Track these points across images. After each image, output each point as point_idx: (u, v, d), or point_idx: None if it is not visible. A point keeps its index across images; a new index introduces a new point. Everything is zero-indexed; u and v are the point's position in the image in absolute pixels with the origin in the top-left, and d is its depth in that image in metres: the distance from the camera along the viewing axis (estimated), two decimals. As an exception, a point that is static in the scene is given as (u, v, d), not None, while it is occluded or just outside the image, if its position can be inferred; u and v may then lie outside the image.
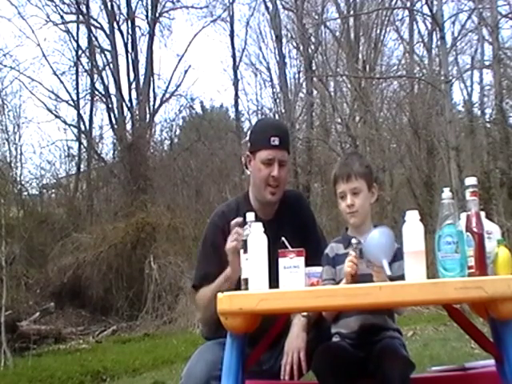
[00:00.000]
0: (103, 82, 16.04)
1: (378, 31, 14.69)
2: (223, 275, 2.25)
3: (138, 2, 16.36)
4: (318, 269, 2.02)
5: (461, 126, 13.05)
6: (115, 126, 15.56)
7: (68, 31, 16.22)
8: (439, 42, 10.75)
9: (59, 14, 15.95)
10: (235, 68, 16.68)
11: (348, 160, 2.22)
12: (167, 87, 16.63)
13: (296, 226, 2.39)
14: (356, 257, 1.96)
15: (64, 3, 15.91)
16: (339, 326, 2.17)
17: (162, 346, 7.91)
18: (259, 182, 2.37)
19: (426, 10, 11.70)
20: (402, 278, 1.79)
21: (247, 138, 2.55)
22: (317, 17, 15.26)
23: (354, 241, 2.04)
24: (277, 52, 15.70)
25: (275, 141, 2.33)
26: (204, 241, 2.47)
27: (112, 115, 15.77)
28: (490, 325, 1.82)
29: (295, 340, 2.26)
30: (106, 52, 16.11)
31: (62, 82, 16.05)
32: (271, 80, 16.66)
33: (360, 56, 14.53)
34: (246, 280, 1.90)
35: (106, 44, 16.09)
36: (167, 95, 16.63)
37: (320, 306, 1.82)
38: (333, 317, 2.17)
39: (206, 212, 11.61)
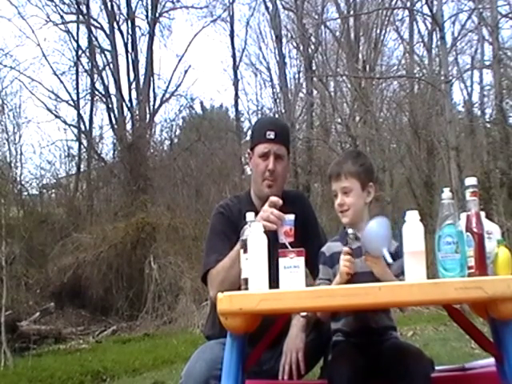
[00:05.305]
0: (103, 82, 16.04)
1: (378, 31, 14.72)
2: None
3: (138, 2, 16.38)
4: (291, 216, 2.06)
5: (461, 125, 13.05)
6: (115, 126, 15.53)
7: (68, 31, 16.22)
8: (439, 42, 10.75)
9: (59, 13, 15.95)
10: (235, 68, 16.70)
11: (341, 159, 2.21)
12: (167, 87, 16.66)
13: (298, 226, 2.38)
14: (351, 253, 1.94)
15: (64, 3, 15.92)
16: (340, 324, 2.15)
17: (162, 346, 7.89)
18: (256, 176, 2.41)
19: (426, 9, 11.76)
20: (402, 273, 1.79)
21: (248, 138, 2.59)
22: (317, 17, 15.28)
23: (350, 231, 2.02)
24: (277, 52, 15.72)
25: (270, 134, 2.38)
26: (212, 229, 2.46)
27: (112, 115, 15.76)
28: (490, 325, 1.82)
29: (294, 340, 2.26)
30: (106, 52, 16.10)
31: (62, 82, 16.07)
32: (271, 80, 16.71)
33: (360, 56, 14.54)
34: (246, 280, 1.90)
35: (106, 44, 16.11)
36: (167, 95, 16.65)
37: (320, 306, 1.82)
38: (328, 317, 2.15)
39: (206, 212, 11.59)
